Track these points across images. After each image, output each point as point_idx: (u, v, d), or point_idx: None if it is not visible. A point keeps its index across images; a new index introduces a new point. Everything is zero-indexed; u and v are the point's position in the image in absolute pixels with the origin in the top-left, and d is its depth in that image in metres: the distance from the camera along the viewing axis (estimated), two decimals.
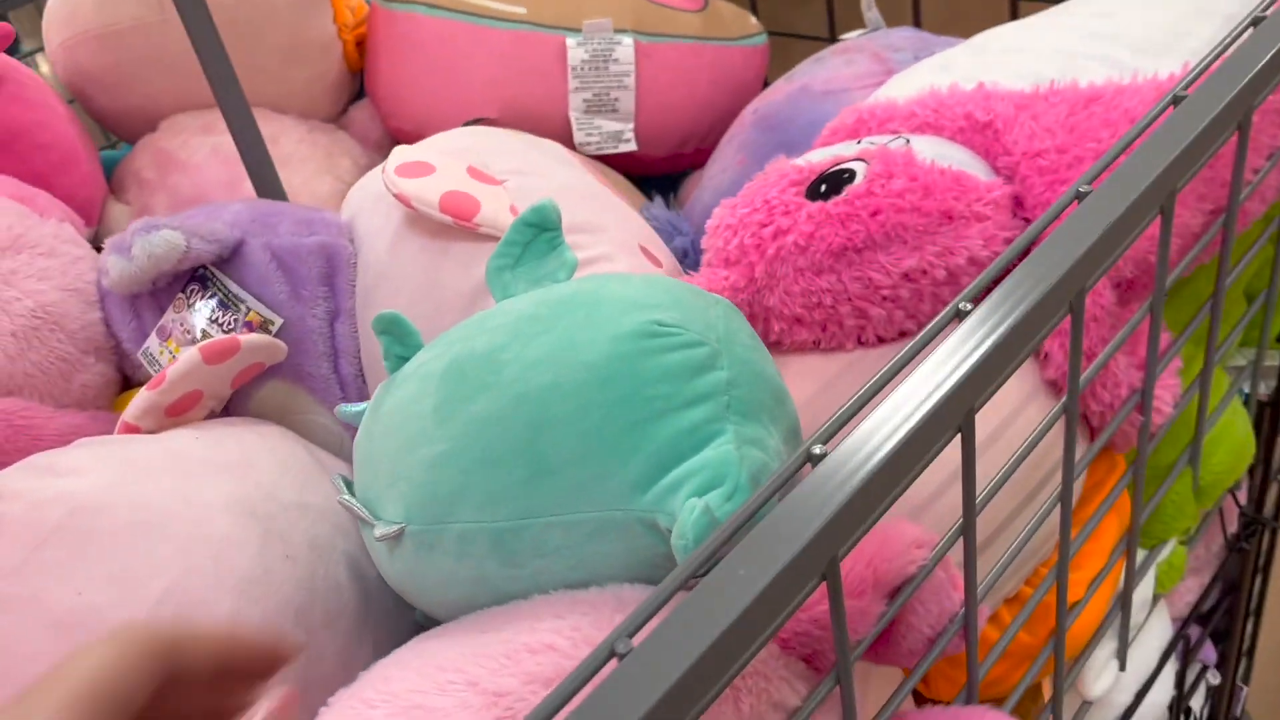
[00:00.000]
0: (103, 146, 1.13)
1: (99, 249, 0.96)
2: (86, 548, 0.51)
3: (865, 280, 0.64)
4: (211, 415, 0.69)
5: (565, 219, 0.69)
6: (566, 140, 1.03)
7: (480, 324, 0.54)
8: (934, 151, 0.68)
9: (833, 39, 1.15)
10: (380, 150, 1.10)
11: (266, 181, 0.83)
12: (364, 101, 1.11)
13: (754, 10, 1.18)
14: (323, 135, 1.03)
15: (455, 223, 0.66)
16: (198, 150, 0.95)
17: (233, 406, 0.71)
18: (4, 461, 0.63)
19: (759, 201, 0.67)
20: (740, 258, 0.67)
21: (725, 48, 1.08)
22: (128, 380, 0.75)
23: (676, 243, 0.97)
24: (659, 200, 1.01)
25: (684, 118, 1.07)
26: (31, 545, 0.50)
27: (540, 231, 0.59)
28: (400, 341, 0.58)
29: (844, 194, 0.65)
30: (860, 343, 0.68)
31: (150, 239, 0.65)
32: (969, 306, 0.45)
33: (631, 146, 1.06)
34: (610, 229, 0.71)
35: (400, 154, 0.70)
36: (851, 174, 0.67)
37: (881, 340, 0.67)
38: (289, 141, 0.98)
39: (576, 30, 1.02)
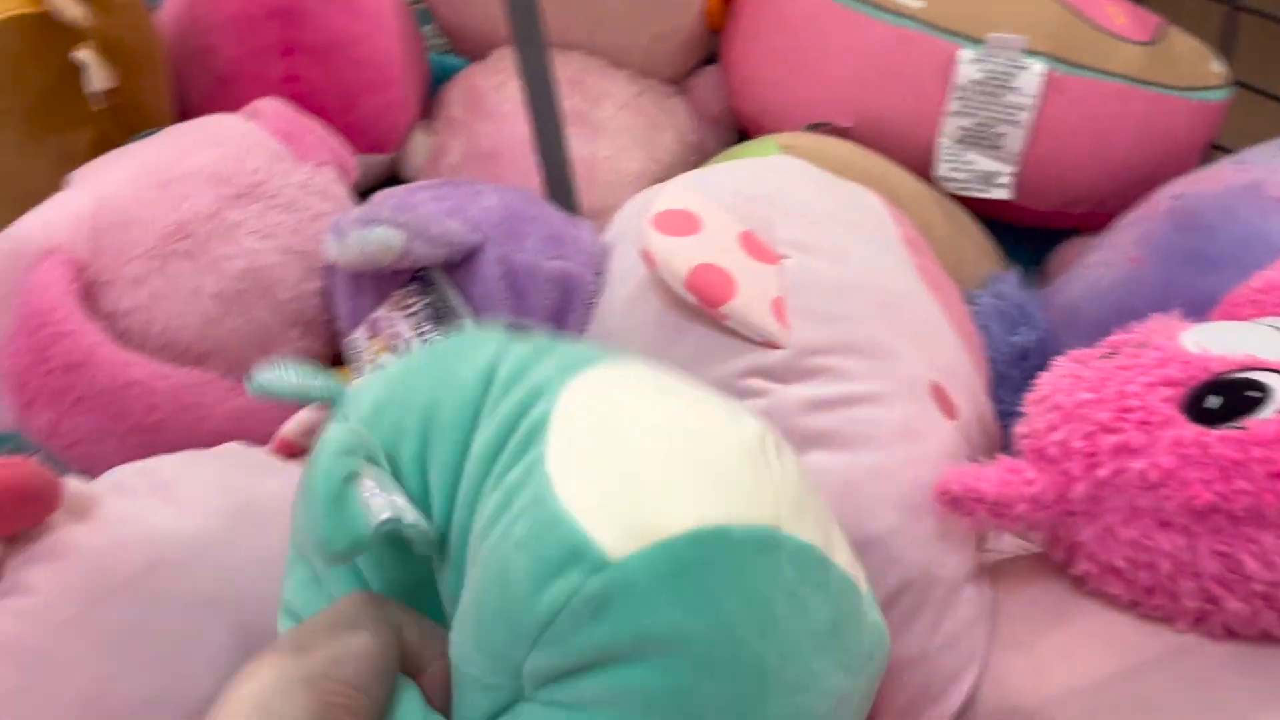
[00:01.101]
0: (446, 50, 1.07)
1: (391, 177, 0.91)
2: (147, 621, 0.45)
3: (1231, 562, 0.44)
4: None
5: (842, 333, 0.53)
6: (925, 169, 0.85)
7: None
8: None
9: None
10: (717, 127, 0.96)
11: (552, 151, 0.73)
12: (715, 66, 0.97)
13: (1226, 53, 0.90)
14: (652, 103, 0.90)
15: (700, 305, 0.52)
16: (511, 97, 0.85)
17: None
18: (164, 440, 0.59)
19: (1111, 391, 0.48)
20: (1059, 460, 0.48)
21: (1167, 97, 0.83)
22: (338, 358, 0.69)
23: (1019, 337, 0.77)
24: (1013, 276, 0.80)
25: (1084, 174, 0.85)
26: (90, 600, 0.44)
27: None
28: None
29: (1240, 425, 0.44)
30: (1197, 622, 0.47)
31: (366, 234, 0.56)
32: None
33: (1005, 194, 0.85)
34: (901, 357, 0.54)
35: (670, 195, 0.56)
36: (1262, 393, 0.45)
37: (1231, 633, 0.46)
38: (611, 105, 0.87)
39: (978, 41, 0.82)
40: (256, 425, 0.61)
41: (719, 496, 0.33)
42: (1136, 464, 0.45)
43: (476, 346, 0.41)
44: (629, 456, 0.34)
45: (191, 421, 0.59)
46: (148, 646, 0.44)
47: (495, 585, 0.34)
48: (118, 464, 0.58)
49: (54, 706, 0.42)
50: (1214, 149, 0.93)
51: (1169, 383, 0.47)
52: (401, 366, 0.42)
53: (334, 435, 0.37)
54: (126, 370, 0.57)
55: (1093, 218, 0.88)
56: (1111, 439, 0.46)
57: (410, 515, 0.35)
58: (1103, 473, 0.46)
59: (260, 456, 0.54)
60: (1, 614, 0.43)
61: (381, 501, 0.35)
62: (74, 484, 0.48)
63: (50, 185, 0.65)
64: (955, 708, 0.50)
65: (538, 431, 0.36)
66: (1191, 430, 0.45)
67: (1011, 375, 0.77)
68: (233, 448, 0.55)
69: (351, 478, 0.35)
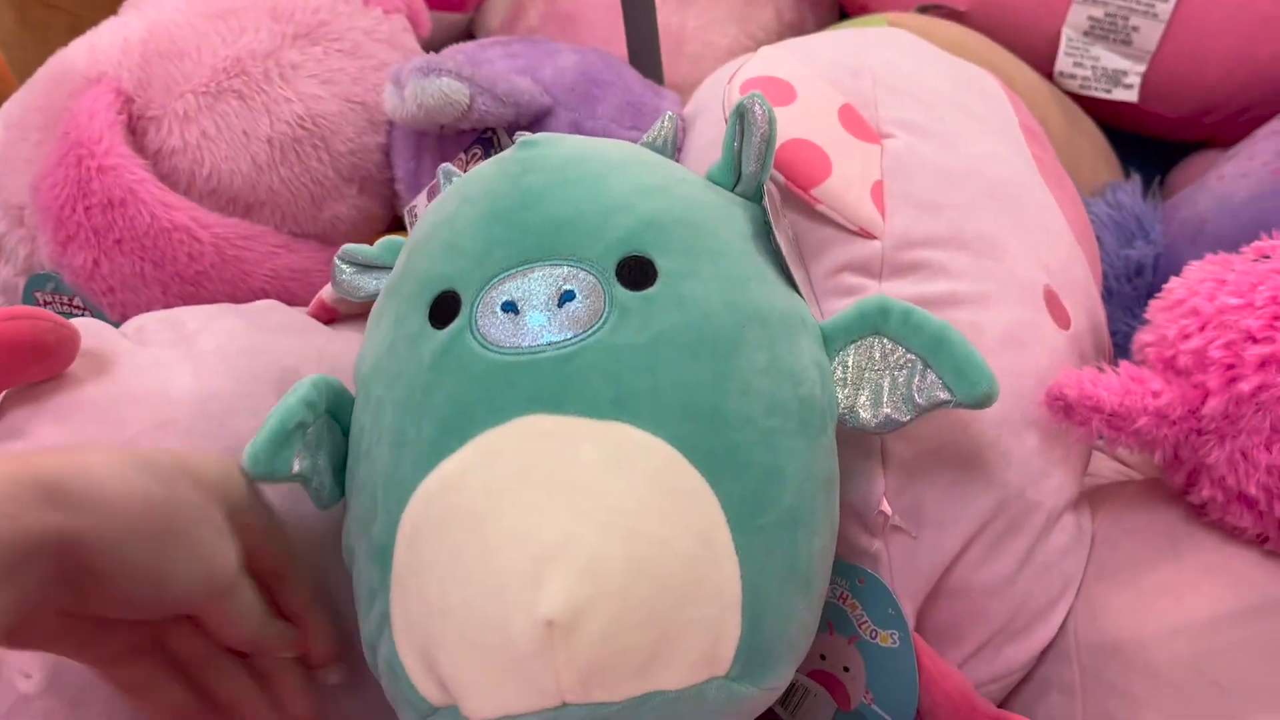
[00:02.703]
0: None
1: (466, 39, 0.86)
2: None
3: None
4: None
5: (947, 224, 0.47)
6: (1044, 64, 0.77)
7: None
8: None
9: None
10: (817, 9, 0.89)
11: (639, 18, 0.67)
12: None
13: None
14: None
15: (788, 186, 0.46)
16: None
17: None
18: (205, 292, 0.55)
19: (1263, 297, 0.42)
20: (1192, 371, 0.43)
21: None
22: (399, 221, 0.64)
23: (1135, 251, 0.71)
24: (1135, 183, 0.73)
25: (1224, 77, 0.76)
26: None
27: None
28: None
29: None
30: None
31: (425, 85, 0.52)
32: None
33: (1131, 96, 0.77)
34: (1011, 255, 0.48)
35: (762, 60, 0.50)
36: None
37: None
38: None
39: None
40: (301, 288, 0.58)
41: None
42: None
43: None
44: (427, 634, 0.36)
45: (235, 275, 0.55)
46: None
47: None
48: None
49: None
50: None
51: None
52: None
53: (304, 384, 0.40)
54: (169, 213, 0.53)
55: (1225, 128, 0.80)
56: (1259, 350, 0.41)
57: (316, 481, 0.40)
58: (1245, 387, 0.40)
59: (294, 317, 0.50)
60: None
61: (308, 460, 0.40)
62: (94, 335, 0.44)
63: (104, 13, 0.61)
64: (1044, 642, 0.45)
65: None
66: None
67: (1123, 291, 0.71)
68: (268, 305, 0.51)
69: (300, 427, 0.39)
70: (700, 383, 0.36)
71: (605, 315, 0.37)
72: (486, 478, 0.35)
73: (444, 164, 0.48)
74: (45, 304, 0.58)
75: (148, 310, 0.55)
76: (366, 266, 0.47)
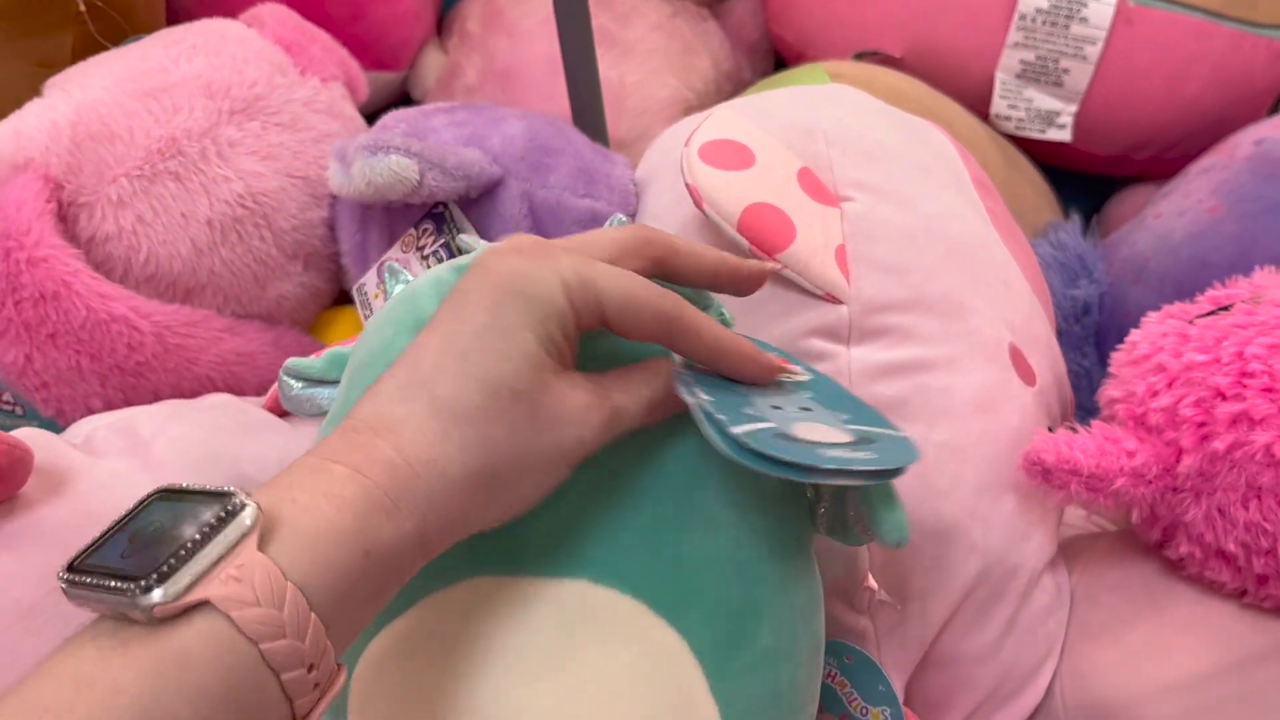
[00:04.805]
0: None
1: (401, 98, 0.85)
2: None
3: None
4: None
5: (912, 287, 0.47)
6: (980, 106, 0.78)
7: None
8: None
9: None
10: (753, 56, 0.89)
11: (581, 76, 0.66)
12: None
13: None
14: (686, 24, 0.83)
15: (753, 251, 0.46)
16: (532, 13, 0.78)
17: None
18: (146, 383, 0.53)
19: (1228, 353, 0.42)
20: (1164, 429, 0.43)
21: (1247, 35, 0.77)
22: (345, 295, 0.62)
23: (1081, 291, 0.71)
24: (1075, 223, 0.74)
25: (1153, 116, 0.78)
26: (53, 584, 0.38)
27: None
28: None
29: None
30: None
31: (373, 162, 0.50)
32: None
33: (1065, 136, 0.79)
34: (976, 315, 0.48)
35: (717, 122, 0.50)
36: None
37: None
38: (642, 25, 0.80)
39: None
40: (248, 372, 0.55)
41: None
42: (1260, 437, 0.40)
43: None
44: None
45: (178, 364, 0.52)
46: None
47: None
48: (95, 408, 0.52)
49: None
50: None
51: None
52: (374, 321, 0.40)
53: None
54: (106, 304, 0.50)
55: (1156, 164, 0.82)
56: (1230, 407, 0.41)
57: None
58: (1219, 445, 0.41)
59: (249, 413, 0.48)
60: None
61: None
62: (45, 449, 0.41)
63: (27, 94, 0.58)
64: (1032, 706, 0.45)
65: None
66: None
67: (1072, 332, 0.72)
68: (220, 401, 0.48)
69: None
70: (661, 523, 0.34)
71: None
72: (435, 647, 0.33)
73: (389, 261, 0.46)
74: None
75: (84, 404, 0.52)
76: (315, 381, 0.43)
